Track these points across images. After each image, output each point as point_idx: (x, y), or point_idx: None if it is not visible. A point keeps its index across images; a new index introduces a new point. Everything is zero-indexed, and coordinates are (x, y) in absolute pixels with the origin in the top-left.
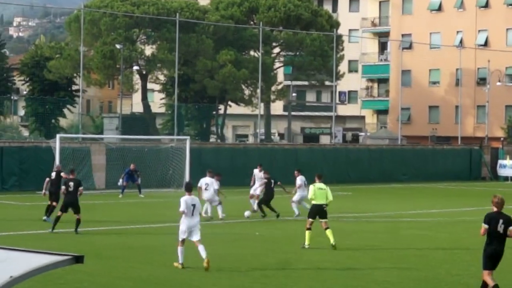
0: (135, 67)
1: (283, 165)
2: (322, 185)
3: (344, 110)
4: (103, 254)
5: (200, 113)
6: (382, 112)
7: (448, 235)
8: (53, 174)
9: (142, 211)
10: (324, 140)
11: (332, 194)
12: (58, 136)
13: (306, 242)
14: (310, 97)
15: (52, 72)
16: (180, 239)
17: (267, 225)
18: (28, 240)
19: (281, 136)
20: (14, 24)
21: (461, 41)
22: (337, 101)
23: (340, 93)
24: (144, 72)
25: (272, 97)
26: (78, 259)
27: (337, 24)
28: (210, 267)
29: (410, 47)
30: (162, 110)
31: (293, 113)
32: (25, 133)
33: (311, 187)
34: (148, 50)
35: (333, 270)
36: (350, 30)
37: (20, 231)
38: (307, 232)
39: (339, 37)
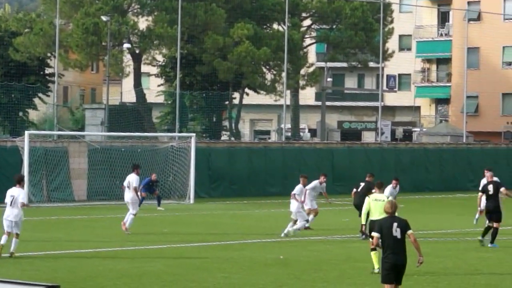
0: (126, 45)
1: (314, 170)
2: (380, 196)
3: (393, 99)
4: (85, 284)
5: (209, 104)
6: (442, 102)
7: None
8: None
9: (135, 228)
10: (368, 137)
11: None
12: (27, 133)
13: (376, 266)
14: (350, 82)
15: (20, 52)
16: (5, 231)
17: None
18: None
19: (313, 132)
20: None
21: None
22: (385, 87)
23: (388, 77)
24: (137, 52)
25: (301, 82)
26: None
27: None
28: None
29: (478, 18)
30: (160, 99)
31: (328, 103)
32: None
33: (366, 199)
34: (143, 23)
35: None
36: None
37: None
38: (372, 254)
39: (388, 5)
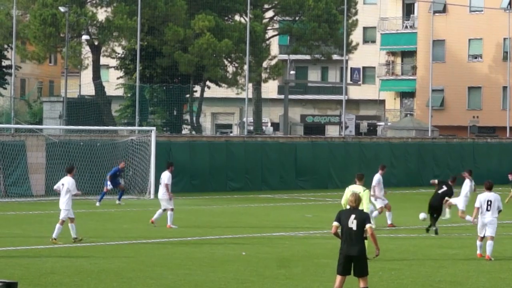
0: (85, 37)
1: (277, 164)
2: (358, 188)
3: (357, 92)
4: (42, 281)
5: (170, 97)
6: (407, 95)
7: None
8: None
9: (93, 225)
10: (332, 131)
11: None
12: None
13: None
14: (313, 75)
15: None
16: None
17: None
18: None
19: (275, 126)
20: None
21: (510, 3)
22: (349, 80)
23: (352, 70)
24: (96, 43)
25: (264, 75)
26: (10, 287)
27: None
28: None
29: (444, 10)
30: (120, 92)
31: (291, 96)
32: None
33: (346, 190)
34: (102, 15)
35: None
36: None
37: None
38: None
39: None
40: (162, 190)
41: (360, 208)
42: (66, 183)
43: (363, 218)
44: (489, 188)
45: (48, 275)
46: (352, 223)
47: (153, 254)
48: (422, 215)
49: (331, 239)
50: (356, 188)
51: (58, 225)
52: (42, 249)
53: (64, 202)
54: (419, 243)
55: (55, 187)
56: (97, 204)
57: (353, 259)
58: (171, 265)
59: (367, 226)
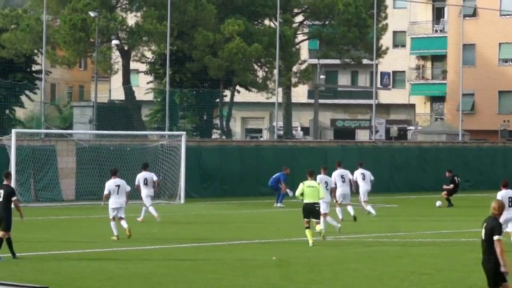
0: (114, 42)
1: (308, 169)
2: (313, 183)
3: (387, 96)
4: (72, 285)
5: (200, 101)
6: (437, 100)
7: None
8: None
9: (123, 229)
10: (362, 135)
11: (373, 207)
12: (13, 131)
13: (310, 242)
14: (343, 80)
15: (6, 48)
16: (111, 217)
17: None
18: None
19: (305, 131)
20: None
21: None
22: (379, 85)
23: (382, 74)
24: (126, 48)
25: (294, 80)
26: None
27: None
28: (131, 234)
29: (474, 14)
30: (150, 97)
31: (320, 100)
32: None
33: (300, 185)
34: (131, 19)
35: None
36: None
37: None
38: (307, 231)
39: (381, 1)
40: (151, 188)
41: (318, 199)
42: (121, 183)
43: (489, 228)
44: (506, 186)
45: (78, 280)
46: (482, 232)
47: (183, 259)
48: (438, 203)
49: (360, 244)
50: (310, 182)
51: (112, 223)
52: (72, 253)
53: (120, 202)
54: (449, 247)
55: (106, 192)
56: (279, 205)
57: (485, 270)
58: (201, 269)
59: (494, 238)
